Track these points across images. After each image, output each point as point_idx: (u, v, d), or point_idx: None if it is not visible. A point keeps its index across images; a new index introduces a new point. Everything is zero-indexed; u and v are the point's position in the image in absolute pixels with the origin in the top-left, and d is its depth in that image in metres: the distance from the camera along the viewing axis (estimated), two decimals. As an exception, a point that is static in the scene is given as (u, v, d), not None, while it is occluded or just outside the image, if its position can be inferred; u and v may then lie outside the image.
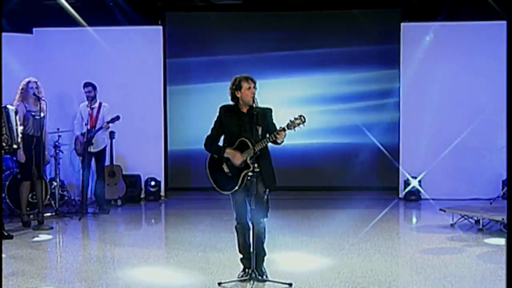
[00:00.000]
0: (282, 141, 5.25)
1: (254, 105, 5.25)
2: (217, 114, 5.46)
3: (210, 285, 5.31)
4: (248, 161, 5.20)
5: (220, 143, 5.44)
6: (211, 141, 5.42)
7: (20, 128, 7.60)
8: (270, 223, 5.67)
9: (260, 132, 5.29)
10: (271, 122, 5.40)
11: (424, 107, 10.04)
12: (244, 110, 5.34)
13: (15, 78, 8.07)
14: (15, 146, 7.40)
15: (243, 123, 5.29)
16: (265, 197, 5.31)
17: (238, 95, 5.32)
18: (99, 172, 9.22)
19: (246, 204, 5.29)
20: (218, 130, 5.43)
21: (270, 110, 5.46)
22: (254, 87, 5.31)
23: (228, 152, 5.31)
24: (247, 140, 5.23)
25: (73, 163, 9.75)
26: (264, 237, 5.46)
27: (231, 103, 5.40)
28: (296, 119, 5.19)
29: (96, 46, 10.06)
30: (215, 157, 5.39)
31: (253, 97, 5.27)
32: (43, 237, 7.43)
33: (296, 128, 5.19)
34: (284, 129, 5.18)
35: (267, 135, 5.26)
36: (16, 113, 7.55)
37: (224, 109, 5.45)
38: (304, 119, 5.19)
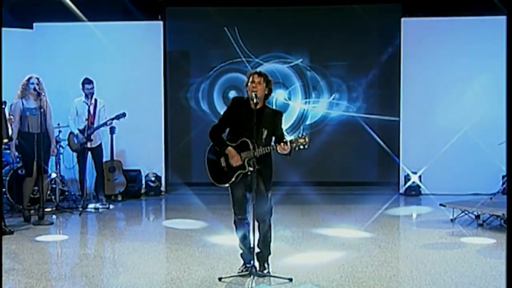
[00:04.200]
0: (287, 154, 5.14)
1: (256, 103, 5.17)
2: (228, 105, 5.45)
3: (210, 280, 5.32)
4: (245, 163, 5.19)
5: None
6: (216, 132, 5.39)
7: (14, 124, 7.60)
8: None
9: (264, 136, 5.22)
10: (279, 127, 5.33)
11: (425, 103, 10.05)
12: (253, 107, 5.22)
13: (15, 73, 8.06)
14: (5, 140, 7.40)
15: (248, 120, 5.17)
16: (269, 197, 5.32)
17: (246, 90, 5.30)
18: (98, 168, 9.18)
19: (245, 199, 5.28)
20: (226, 121, 5.40)
21: (281, 113, 5.41)
22: (259, 83, 5.21)
23: (229, 151, 5.28)
24: (249, 142, 5.18)
25: (67, 158, 9.72)
26: (270, 237, 5.46)
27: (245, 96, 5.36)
28: (300, 138, 5.10)
29: (97, 41, 10.03)
30: (216, 149, 5.36)
31: (254, 93, 5.17)
32: (43, 232, 7.45)
33: (297, 148, 5.10)
34: (286, 143, 5.08)
35: (272, 144, 5.20)
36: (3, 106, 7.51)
37: (235, 100, 5.43)
38: (307, 141, 5.08)
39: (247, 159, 5.17)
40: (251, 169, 5.13)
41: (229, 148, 5.29)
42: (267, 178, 5.30)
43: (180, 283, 5.27)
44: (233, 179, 5.25)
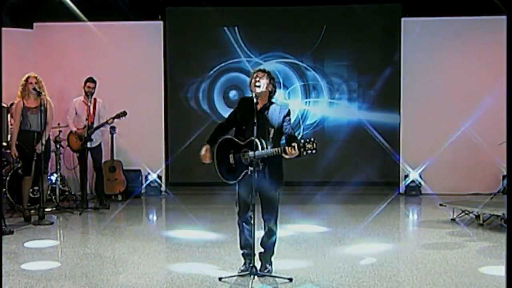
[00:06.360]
0: (296, 156, 4.98)
1: (256, 97, 5.16)
2: (236, 105, 5.43)
3: (211, 280, 5.31)
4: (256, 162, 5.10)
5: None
6: (218, 129, 5.43)
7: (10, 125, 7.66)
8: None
9: (271, 135, 5.16)
10: (287, 123, 5.23)
11: (425, 102, 10.05)
12: (259, 105, 5.20)
13: (15, 73, 8.06)
14: (4, 144, 7.43)
15: (251, 118, 5.10)
16: (276, 198, 5.30)
17: (250, 89, 5.28)
18: (96, 168, 9.16)
19: (250, 198, 5.21)
20: (230, 121, 5.41)
21: (287, 109, 5.29)
22: (262, 78, 5.19)
23: (205, 149, 5.29)
24: (258, 142, 5.07)
25: (68, 159, 9.72)
26: (275, 237, 5.43)
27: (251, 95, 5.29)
28: (308, 142, 4.88)
29: (97, 41, 10.06)
30: (223, 145, 5.30)
31: (258, 84, 5.15)
32: (43, 232, 7.45)
33: (305, 153, 4.89)
34: (294, 148, 4.91)
35: (281, 146, 5.08)
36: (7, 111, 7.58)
37: (242, 100, 5.41)
38: (317, 146, 4.89)
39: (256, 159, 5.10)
40: (251, 168, 5.11)
41: (207, 146, 5.30)
42: (275, 178, 5.24)
43: (180, 283, 5.26)
44: (241, 176, 5.20)
